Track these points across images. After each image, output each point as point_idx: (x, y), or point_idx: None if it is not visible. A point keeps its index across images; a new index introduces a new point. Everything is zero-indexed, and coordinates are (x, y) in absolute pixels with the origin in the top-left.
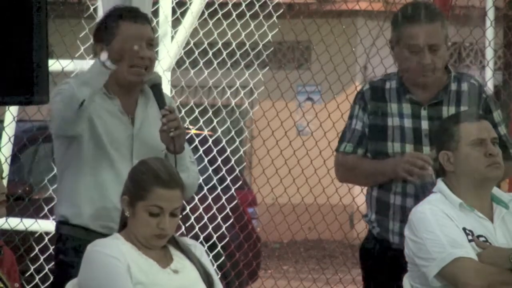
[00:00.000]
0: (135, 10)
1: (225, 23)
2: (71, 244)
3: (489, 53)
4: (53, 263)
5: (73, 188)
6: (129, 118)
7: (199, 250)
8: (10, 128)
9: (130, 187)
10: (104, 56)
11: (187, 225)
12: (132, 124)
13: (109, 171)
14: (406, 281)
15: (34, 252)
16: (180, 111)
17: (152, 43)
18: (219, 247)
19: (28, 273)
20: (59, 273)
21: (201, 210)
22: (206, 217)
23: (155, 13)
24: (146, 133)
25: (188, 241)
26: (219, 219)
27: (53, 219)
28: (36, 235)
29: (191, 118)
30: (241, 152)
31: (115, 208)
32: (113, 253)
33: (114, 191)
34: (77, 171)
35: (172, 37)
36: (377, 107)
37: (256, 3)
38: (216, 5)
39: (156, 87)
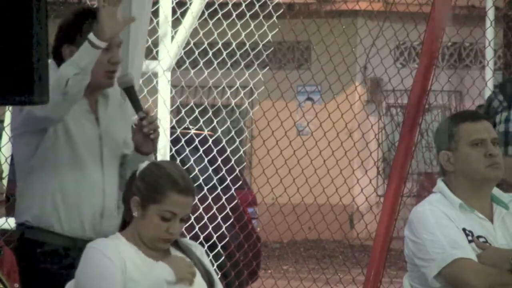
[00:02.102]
0: None
1: (225, 23)
2: (43, 249)
3: (489, 53)
4: None
5: (40, 190)
6: (94, 118)
7: (199, 250)
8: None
9: (143, 189)
10: (91, 35)
11: (187, 225)
12: (98, 124)
13: (79, 172)
14: (406, 281)
15: None
16: (180, 111)
17: (120, 45)
18: (219, 247)
19: None
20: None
21: (201, 210)
22: (206, 217)
23: (155, 13)
24: (112, 133)
25: (188, 241)
26: (219, 219)
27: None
28: None
29: (191, 118)
30: (241, 152)
31: (84, 210)
32: (109, 254)
33: (82, 193)
34: (45, 172)
35: (172, 37)
36: None
37: (256, 3)
38: (216, 5)
39: (131, 89)
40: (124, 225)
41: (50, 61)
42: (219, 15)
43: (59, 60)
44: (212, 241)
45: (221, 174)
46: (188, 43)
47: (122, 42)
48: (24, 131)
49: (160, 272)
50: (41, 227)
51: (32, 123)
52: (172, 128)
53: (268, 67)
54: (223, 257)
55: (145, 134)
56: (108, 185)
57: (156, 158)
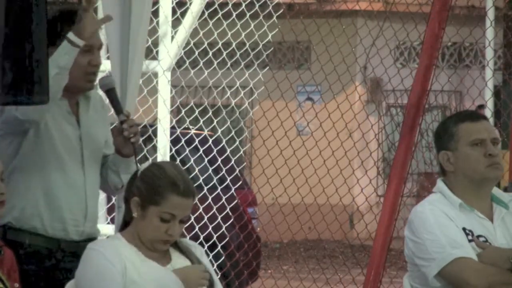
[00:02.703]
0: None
1: (225, 23)
2: (25, 250)
3: (489, 53)
4: None
5: (23, 191)
6: (75, 120)
7: (199, 250)
8: None
9: (143, 190)
10: (71, 34)
11: (187, 225)
12: (78, 126)
13: (60, 174)
14: (406, 281)
15: None
16: (180, 111)
17: (101, 48)
18: (219, 247)
19: None
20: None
21: (201, 210)
22: (206, 217)
23: (155, 13)
24: (93, 134)
25: (188, 242)
26: (219, 219)
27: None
28: None
29: (191, 118)
30: (241, 152)
31: (67, 212)
32: (109, 256)
33: (64, 195)
34: (27, 173)
35: (172, 37)
36: None
37: (256, 3)
38: (216, 5)
39: (112, 92)
40: (125, 225)
41: None
42: (219, 15)
43: None
44: (212, 241)
45: (221, 174)
46: (188, 43)
47: (102, 45)
48: (6, 132)
49: (169, 282)
50: (23, 229)
51: (13, 125)
52: (172, 128)
53: (268, 67)
54: (223, 257)
55: (125, 137)
56: (90, 187)
57: (136, 161)
